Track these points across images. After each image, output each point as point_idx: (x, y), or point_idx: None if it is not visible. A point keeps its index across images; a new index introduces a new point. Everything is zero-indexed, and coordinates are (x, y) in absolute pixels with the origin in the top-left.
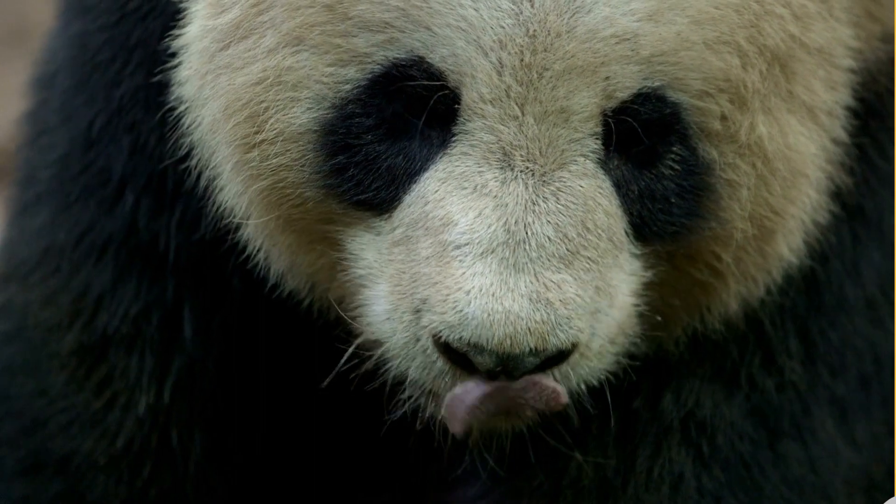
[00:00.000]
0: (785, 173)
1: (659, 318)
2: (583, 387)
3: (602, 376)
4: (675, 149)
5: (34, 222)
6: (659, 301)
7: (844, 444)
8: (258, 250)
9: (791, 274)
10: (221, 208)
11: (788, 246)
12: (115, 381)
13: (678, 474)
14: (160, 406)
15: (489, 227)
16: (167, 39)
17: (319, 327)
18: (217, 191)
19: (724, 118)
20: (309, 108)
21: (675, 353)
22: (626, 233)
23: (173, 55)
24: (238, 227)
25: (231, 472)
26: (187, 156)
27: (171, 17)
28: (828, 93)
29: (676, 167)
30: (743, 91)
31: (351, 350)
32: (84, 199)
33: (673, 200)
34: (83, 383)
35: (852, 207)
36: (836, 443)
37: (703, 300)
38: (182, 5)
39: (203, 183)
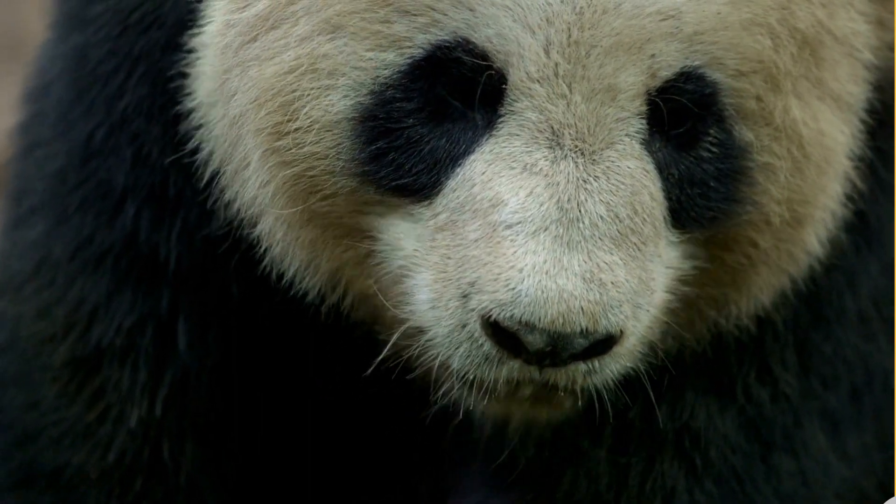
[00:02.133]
0: (818, 160)
1: (687, 314)
2: (611, 384)
3: (624, 373)
4: (712, 131)
5: (28, 235)
6: (691, 292)
7: (835, 457)
8: (274, 246)
9: (801, 279)
10: (234, 206)
11: (816, 236)
12: (107, 394)
13: (670, 488)
14: (152, 419)
15: (541, 205)
16: (170, 51)
17: (322, 331)
18: (233, 186)
19: (758, 99)
20: (346, 96)
21: (696, 350)
22: (665, 219)
23: (179, 66)
24: (251, 224)
25: (223, 485)
26: (194, 156)
27: (174, 28)
28: (851, 84)
29: (715, 150)
30: (775, 72)
31: (393, 341)
32: (82, 212)
33: (711, 184)
34: (75, 396)
35: (856, 216)
36: (827, 456)
37: (732, 292)
38: (199, 6)
39: (211, 182)
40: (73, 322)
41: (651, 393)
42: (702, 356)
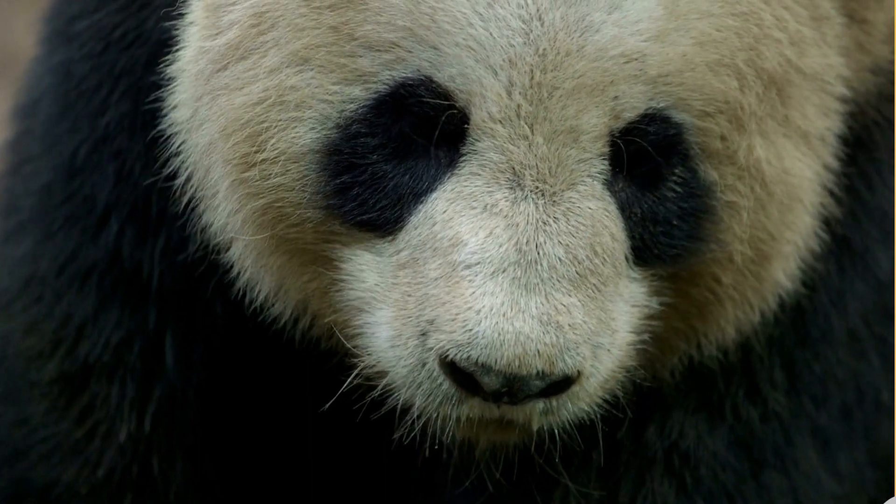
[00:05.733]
0: (782, 197)
1: (656, 348)
2: (569, 425)
3: (586, 417)
4: (677, 171)
5: (16, 251)
6: (658, 327)
7: (826, 474)
8: (245, 272)
9: (781, 304)
10: (209, 230)
11: (784, 271)
12: (96, 410)
13: None
14: (141, 435)
15: (500, 246)
16: (152, 68)
17: (303, 352)
18: (206, 211)
19: (723, 138)
20: (312, 129)
21: (669, 382)
22: (626, 257)
23: (161, 84)
24: (225, 249)
25: (212, 501)
26: (174, 180)
27: (156, 46)
28: (821, 119)
29: (678, 189)
30: (740, 112)
31: (351, 379)
32: (68, 228)
33: (675, 223)
34: (64, 412)
35: (839, 238)
36: (818, 473)
37: (700, 326)
38: (175, 31)
39: (189, 206)
40: (61, 338)
41: (638, 414)
42: (688, 377)
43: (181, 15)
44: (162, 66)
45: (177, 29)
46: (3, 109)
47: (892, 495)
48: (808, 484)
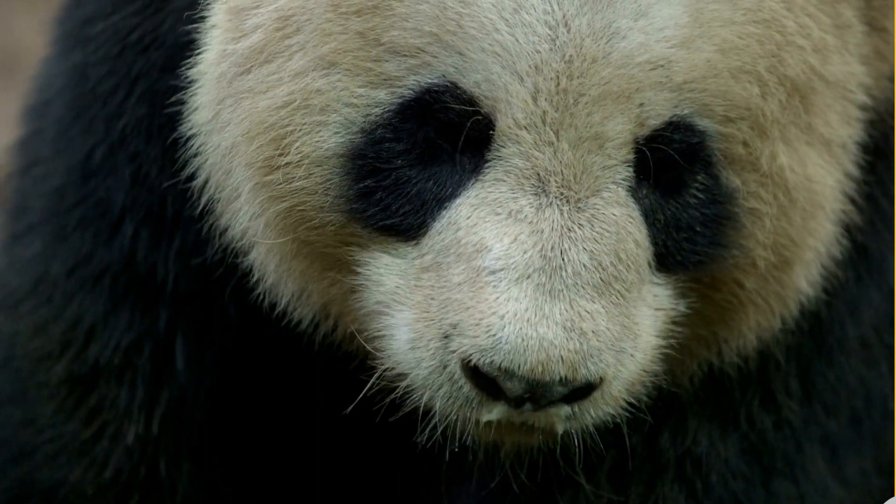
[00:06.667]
0: (804, 205)
1: (677, 354)
2: (591, 429)
3: (610, 420)
4: (699, 177)
5: (26, 252)
6: (682, 332)
7: (834, 482)
8: (267, 276)
9: (801, 311)
10: (229, 234)
11: (806, 278)
12: (104, 412)
13: None
14: (149, 436)
15: (525, 252)
16: (169, 71)
17: (318, 356)
18: (226, 215)
19: (745, 144)
20: (336, 133)
21: (687, 389)
22: (649, 263)
23: (178, 87)
24: (244, 253)
25: (219, 503)
26: (191, 182)
27: (173, 49)
28: (843, 127)
29: (701, 196)
30: (762, 119)
31: (372, 382)
32: (80, 230)
33: (698, 229)
34: (72, 413)
35: (857, 246)
36: (826, 480)
37: (722, 331)
38: (192, 34)
39: (207, 209)
40: (70, 340)
41: (653, 420)
42: (705, 384)
43: (202, 18)
44: (179, 69)
45: (196, 32)
46: (6, 109)
47: (893, 495)
48: (817, 492)
